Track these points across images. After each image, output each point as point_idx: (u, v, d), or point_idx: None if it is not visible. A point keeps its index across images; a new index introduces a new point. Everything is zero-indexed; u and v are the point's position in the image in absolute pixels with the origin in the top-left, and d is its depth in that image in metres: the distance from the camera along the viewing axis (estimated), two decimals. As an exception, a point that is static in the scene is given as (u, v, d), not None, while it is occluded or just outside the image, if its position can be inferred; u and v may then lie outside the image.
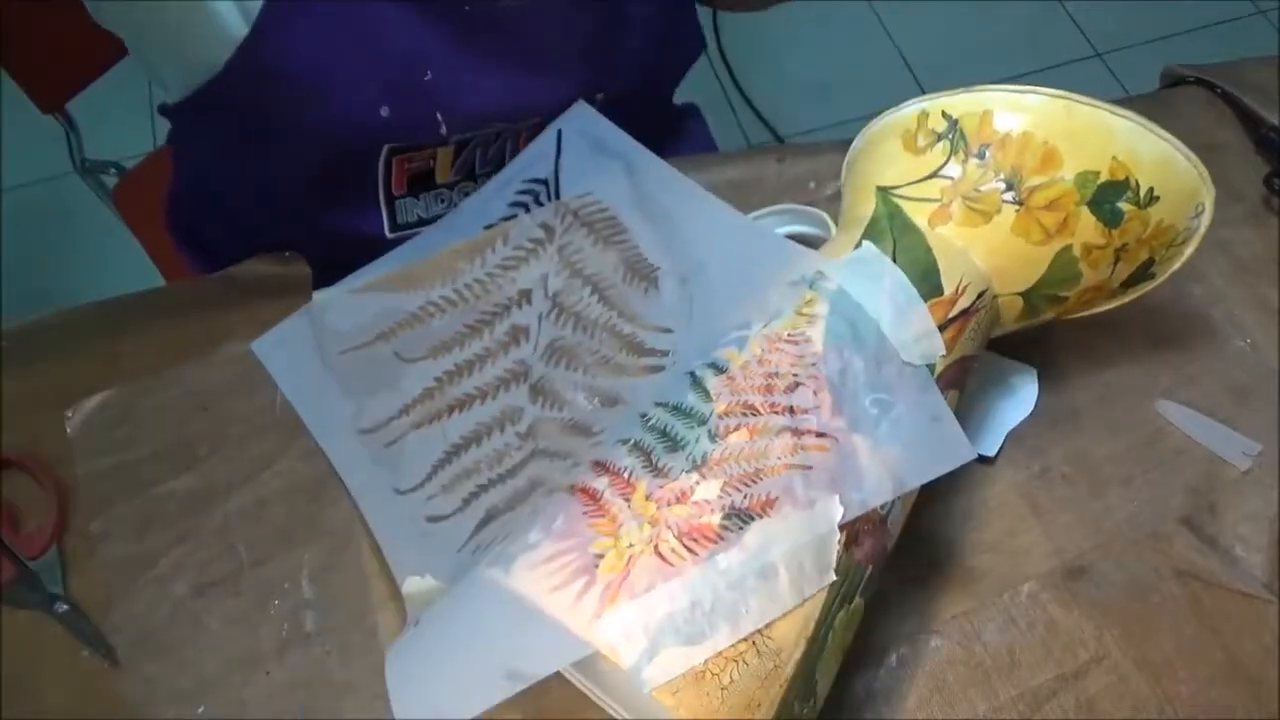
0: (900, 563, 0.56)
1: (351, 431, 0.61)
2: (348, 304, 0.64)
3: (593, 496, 0.47)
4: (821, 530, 0.47)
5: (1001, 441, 0.64)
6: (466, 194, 0.71)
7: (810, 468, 0.48)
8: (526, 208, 0.67)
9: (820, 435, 0.49)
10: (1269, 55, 0.82)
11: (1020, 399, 0.66)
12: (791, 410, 0.50)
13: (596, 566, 0.44)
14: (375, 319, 0.64)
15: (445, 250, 0.65)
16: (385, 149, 0.66)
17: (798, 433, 0.49)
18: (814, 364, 0.51)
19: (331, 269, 0.66)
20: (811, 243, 0.61)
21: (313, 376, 0.63)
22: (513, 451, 0.60)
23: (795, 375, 0.50)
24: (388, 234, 0.70)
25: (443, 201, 0.71)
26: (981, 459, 0.64)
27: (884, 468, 0.49)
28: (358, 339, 0.64)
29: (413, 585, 0.54)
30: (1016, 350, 0.67)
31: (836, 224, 0.64)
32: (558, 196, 0.67)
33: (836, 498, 0.47)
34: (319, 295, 0.64)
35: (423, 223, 0.71)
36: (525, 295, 0.65)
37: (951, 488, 0.63)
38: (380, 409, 0.62)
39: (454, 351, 0.63)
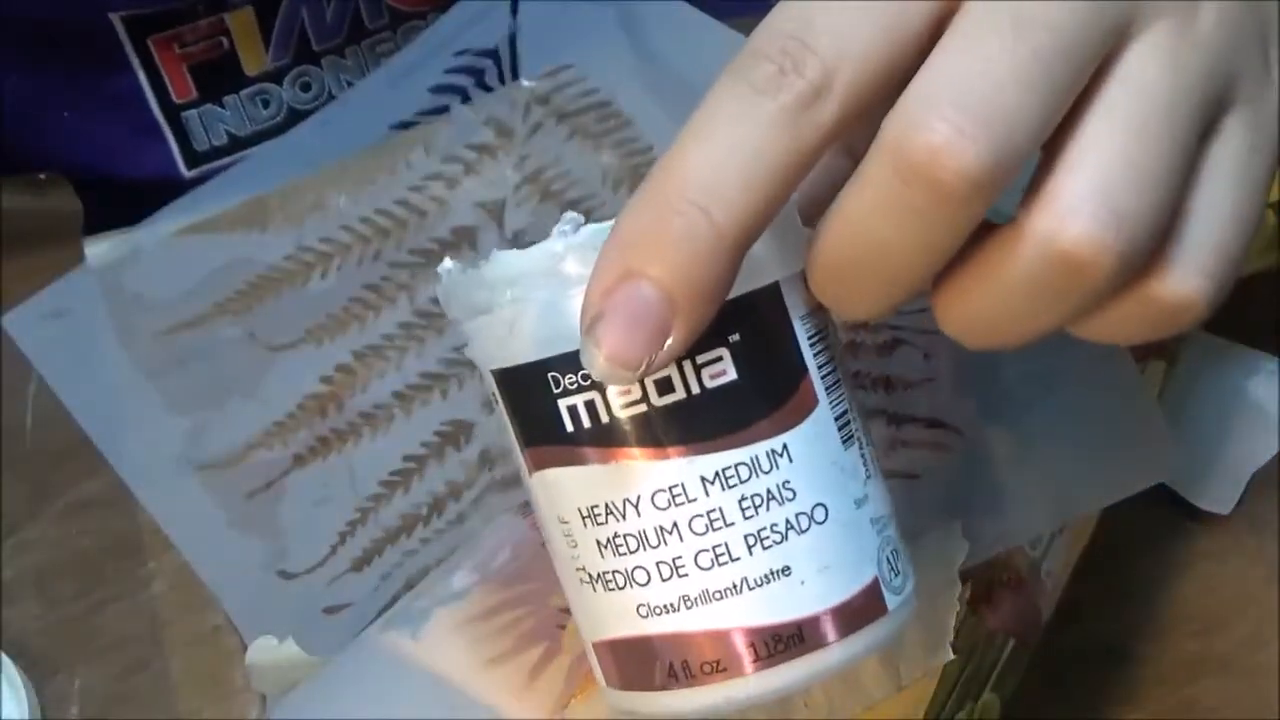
0: (1061, 644, 0.56)
1: (184, 467, 0.61)
2: (165, 254, 0.64)
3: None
4: (931, 579, 0.46)
5: (1241, 490, 0.64)
6: (306, 86, 0.70)
7: (916, 477, 0.48)
8: (464, 95, 0.67)
9: (934, 425, 0.49)
10: None
11: (1268, 420, 0.65)
12: (888, 384, 0.50)
13: (562, 628, 0.45)
14: (212, 279, 0.63)
15: (325, 166, 0.65)
16: (118, 22, 0.65)
17: (896, 420, 0.49)
18: (927, 309, 0.50)
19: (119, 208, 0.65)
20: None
21: (110, 374, 0.62)
22: (462, 491, 0.59)
23: (895, 328, 0.50)
24: (185, 172, 0.70)
25: (267, 104, 0.71)
26: (1204, 515, 0.64)
27: (1038, 481, 0.49)
28: (184, 312, 0.63)
29: (262, 651, 0.54)
30: (1263, 334, 0.66)
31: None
32: (515, 76, 0.67)
33: (958, 527, 0.47)
34: (118, 240, 0.64)
35: (241, 145, 0.70)
36: (466, 236, 0.64)
37: (1157, 548, 0.63)
38: (233, 430, 0.61)
39: (350, 332, 0.63)
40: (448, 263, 0.39)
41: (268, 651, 0.54)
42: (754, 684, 0.36)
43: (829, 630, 0.36)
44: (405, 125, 0.66)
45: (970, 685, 0.48)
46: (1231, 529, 0.63)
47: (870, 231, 0.33)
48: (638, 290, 0.32)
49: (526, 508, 0.49)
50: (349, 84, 0.71)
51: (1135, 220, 0.31)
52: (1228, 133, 0.34)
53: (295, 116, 0.70)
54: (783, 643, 0.36)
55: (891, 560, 0.38)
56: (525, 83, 0.67)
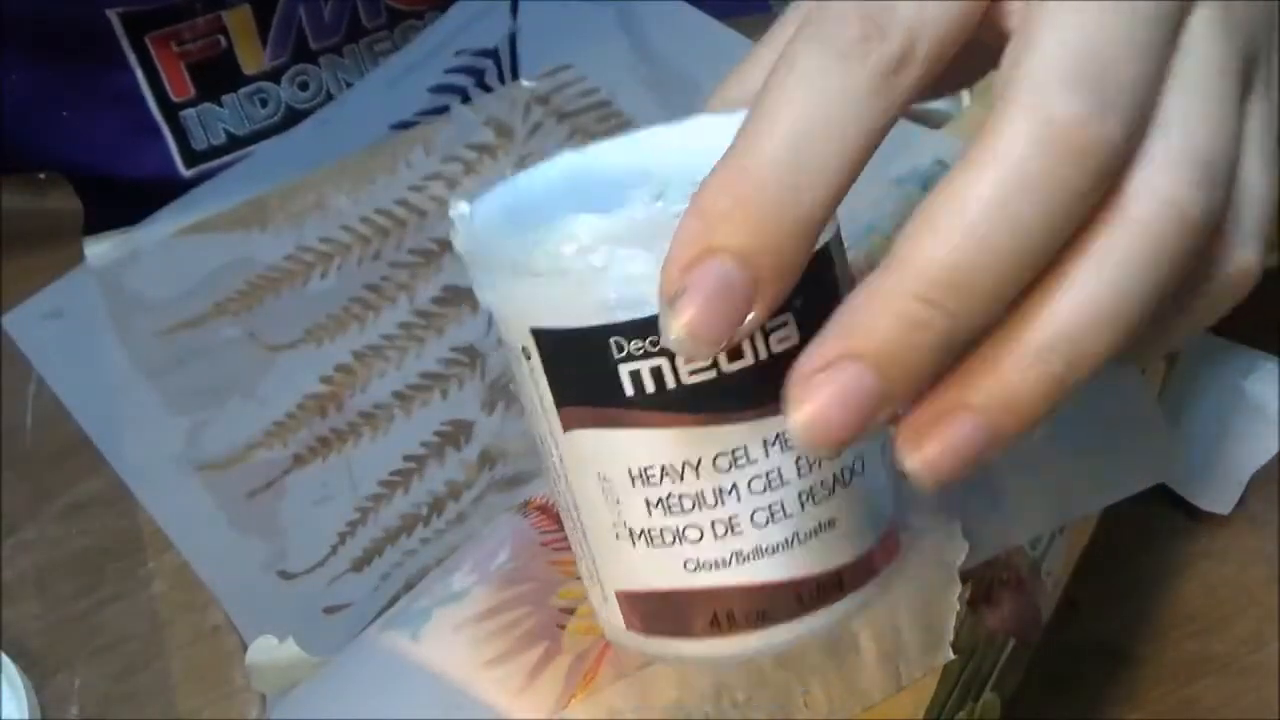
0: (1061, 644, 0.55)
1: (184, 467, 0.61)
2: (165, 254, 0.64)
3: (556, 517, 0.45)
4: (931, 577, 0.45)
5: (1241, 490, 0.63)
6: (304, 85, 0.71)
7: (916, 477, 0.47)
8: (464, 95, 0.68)
9: (933, 425, 0.48)
10: None
11: (1268, 420, 0.64)
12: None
13: (562, 627, 0.44)
14: (213, 278, 0.64)
15: (325, 166, 0.65)
16: (116, 19, 0.66)
17: (895, 420, 0.47)
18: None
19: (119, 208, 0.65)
20: (930, 120, 0.61)
21: (110, 374, 0.63)
22: (462, 491, 0.60)
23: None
24: (184, 172, 0.71)
25: (265, 103, 0.71)
26: (1204, 515, 0.63)
27: (1038, 481, 0.48)
28: (184, 311, 0.64)
29: (262, 651, 0.53)
30: (1263, 334, 0.66)
31: (971, 90, 0.63)
32: (516, 76, 0.68)
33: (958, 527, 0.46)
34: (118, 240, 0.65)
35: (239, 145, 0.71)
36: (466, 236, 0.64)
37: (1157, 548, 0.63)
38: (233, 430, 0.61)
39: (350, 332, 0.63)
40: (464, 207, 0.38)
41: (268, 651, 0.53)
42: (796, 628, 0.38)
43: (862, 574, 0.39)
44: (405, 125, 0.67)
45: (970, 685, 0.47)
46: (1231, 529, 0.63)
47: (1009, 215, 0.31)
48: (720, 267, 0.31)
49: (526, 507, 0.48)
50: (347, 83, 0.71)
51: (1214, 171, 0.32)
52: (1250, 114, 0.35)
53: (293, 115, 0.70)
54: (825, 589, 0.38)
55: (895, 496, 0.40)
56: (525, 83, 0.67)
